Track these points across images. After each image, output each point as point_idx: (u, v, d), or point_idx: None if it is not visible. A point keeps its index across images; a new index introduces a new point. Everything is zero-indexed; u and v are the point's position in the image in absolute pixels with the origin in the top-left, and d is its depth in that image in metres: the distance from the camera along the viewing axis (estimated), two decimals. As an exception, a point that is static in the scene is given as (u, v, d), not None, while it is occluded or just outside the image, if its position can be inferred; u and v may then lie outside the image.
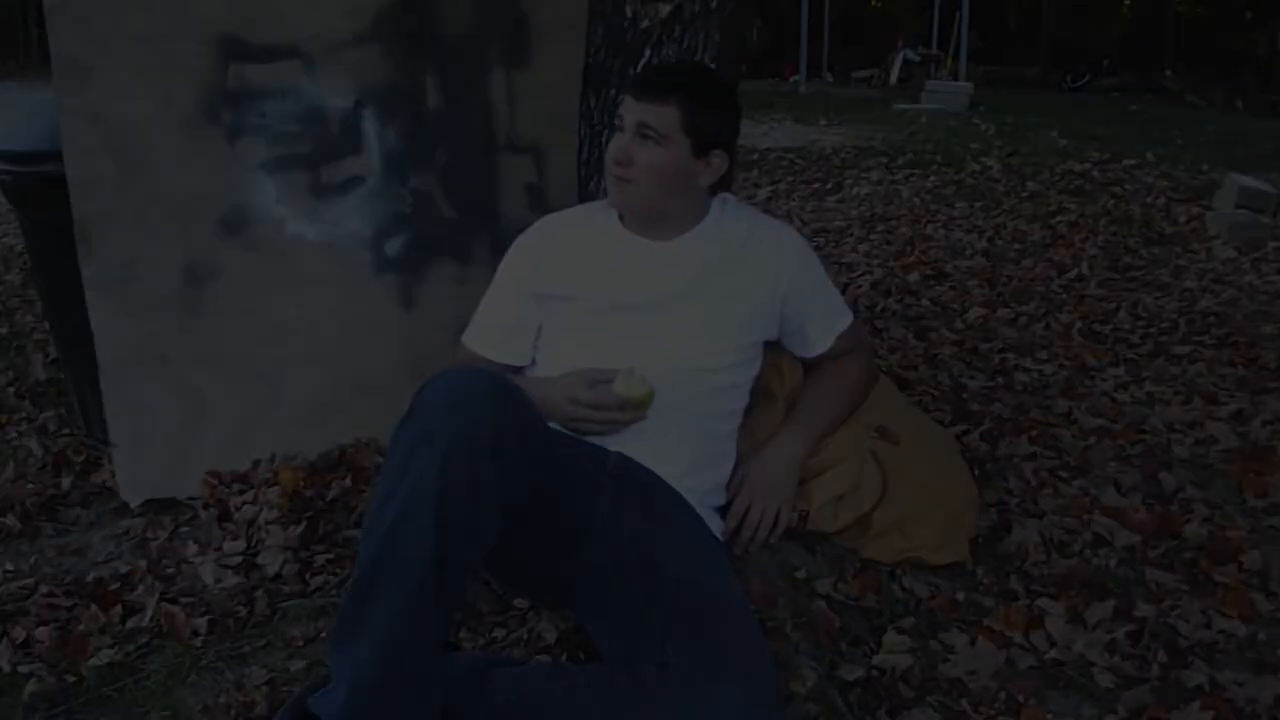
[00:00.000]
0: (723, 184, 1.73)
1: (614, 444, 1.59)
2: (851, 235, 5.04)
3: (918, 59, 17.11)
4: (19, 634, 1.70)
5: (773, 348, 1.82)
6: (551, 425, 1.56)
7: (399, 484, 1.26)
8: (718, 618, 1.37)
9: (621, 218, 1.72)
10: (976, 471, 2.20)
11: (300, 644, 1.70)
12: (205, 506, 2.09)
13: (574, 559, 1.49)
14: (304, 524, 1.97)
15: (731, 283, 1.69)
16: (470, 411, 1.29)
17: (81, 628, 1.73)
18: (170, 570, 1.91)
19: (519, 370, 1.74)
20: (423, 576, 1.23)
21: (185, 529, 2.07)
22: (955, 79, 14.42)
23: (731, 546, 1.70)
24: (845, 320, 1.84)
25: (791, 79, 16.37)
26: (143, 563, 1.94)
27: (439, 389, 1.33)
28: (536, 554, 1.51)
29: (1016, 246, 4.74)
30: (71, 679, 1.62)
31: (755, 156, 7.59)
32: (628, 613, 1.42)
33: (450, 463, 1.24)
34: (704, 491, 1.66)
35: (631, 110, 1.60)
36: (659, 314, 1.65)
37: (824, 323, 1.81)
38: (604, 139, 2.01)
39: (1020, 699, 1.57)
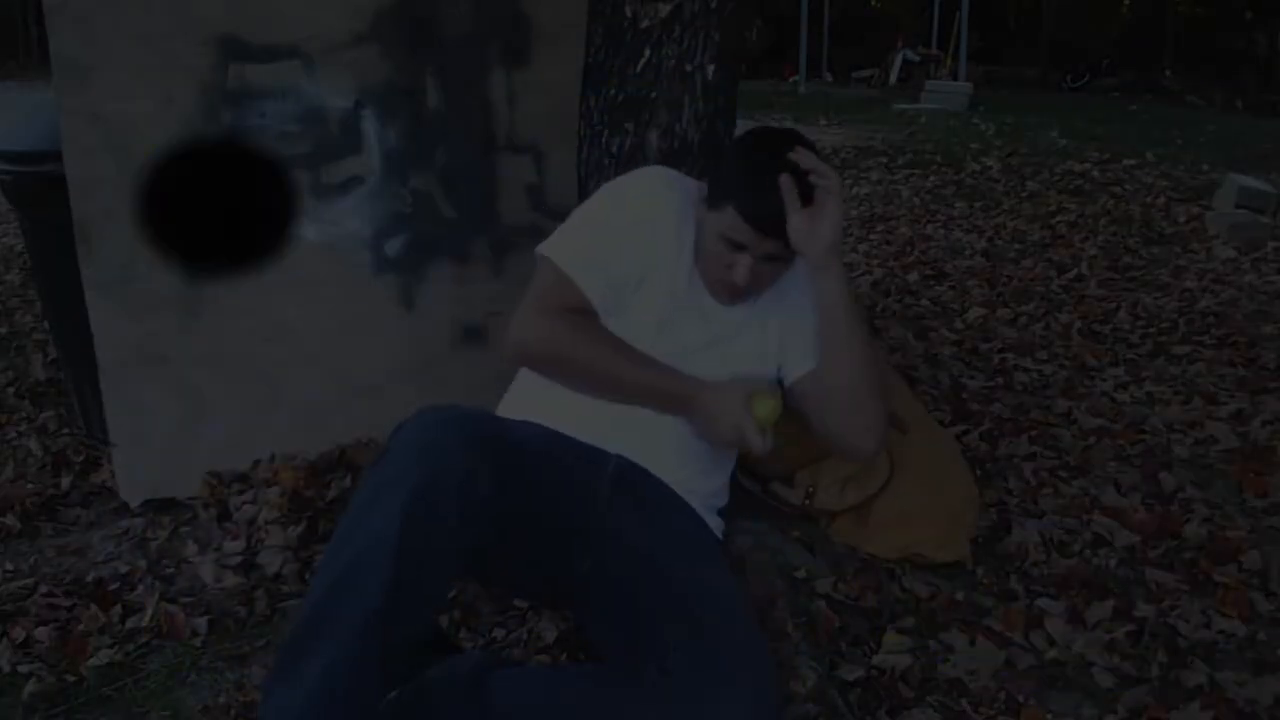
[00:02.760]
0: None
1: (614, 446, 1.58)
2: (851, 235, 5.03)
3: (918, 59, 17.10)
4: (19, 634, 1.70)
5: None
6: (548, 428, 1.55)
7: (356, 530, 1.25)
8: (718, 618, 1.37)
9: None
10: (977, 471, 2.20)
11: (300, 644, 1.70)
12: (205, 506, 2.09)
13: (573, 566, 1.49)
14: (304, 524, 1.97)
15: (756, 339, 1.65)
16: (440, 456, 1.27)
17: (81, 628, 1.73)
18: (170, 570, 1.91)
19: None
20: (366, 629, 1.21)
21: (185, 529, 2.07)
22: (955, 79, 14.41)
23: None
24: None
25: (791, 79, 16.37)
26: (143, 563, 1.94)
27: (410, 433, 1.31)
28: (535, 564, 1.50)
29: (1016, 246, 4.74)
30: (71, 679, 1.62)
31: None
32: (628, 614, 1.42)
33: (414, 510, 1.23)
34: (704, 493, 1.66)
35: (757, 242, 1.51)
36: (685, 330, 1.61)
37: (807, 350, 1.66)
38: (603, 139, 2.01)
39: (1020, 699, 1.57)
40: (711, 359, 1.59)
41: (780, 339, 1.64)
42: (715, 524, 1.68)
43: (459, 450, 1.29)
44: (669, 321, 1.59)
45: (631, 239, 1.60)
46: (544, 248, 1.61)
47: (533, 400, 1.61)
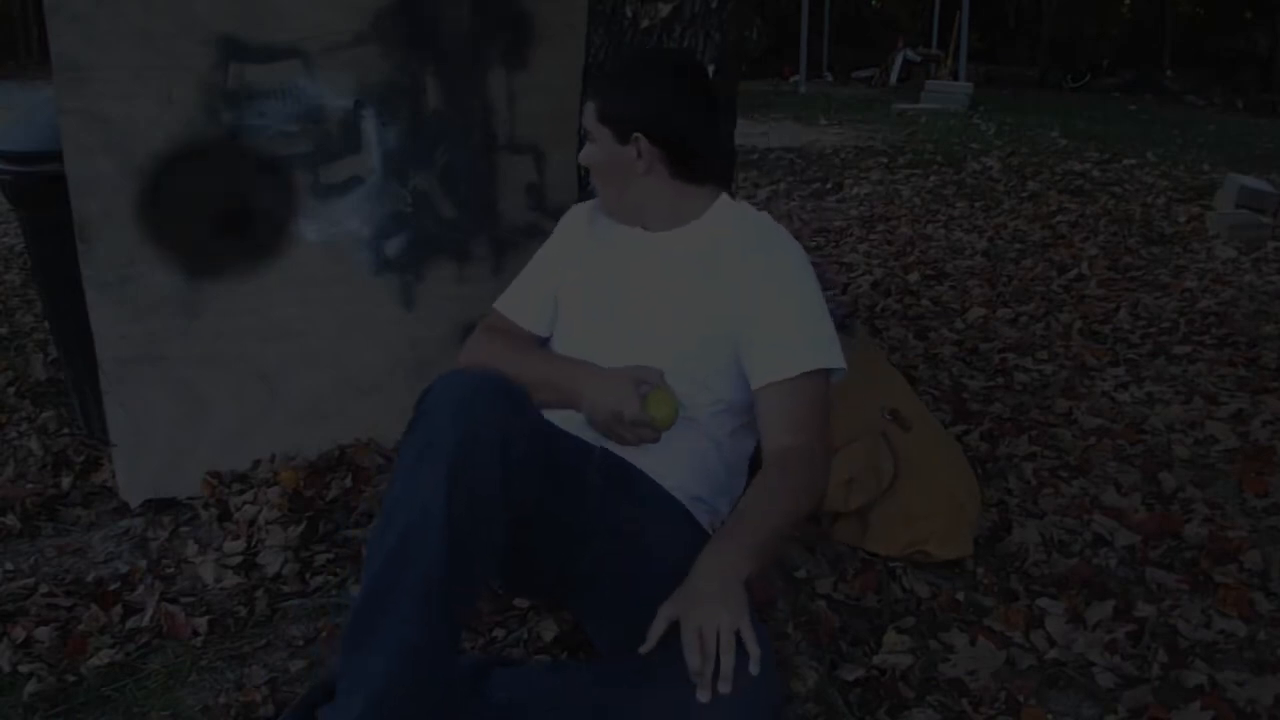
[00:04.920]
0: (707, 173, 1.64)
1: (598, 439, 1.57)
2: (851, 235, 5.04)
3: (918, 59, 17.09)
4: (19, 634, 1.70)
5: None
6: (544, 414, 1.55)
7: (406, 496, 1.25)
8: None
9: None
10: (978, 471, 2.20)
11: (300, 644, 1.70)
12: (205, 506, 2.09)
13: (570, 557, 1.49)
14: (304, 524, 1.97)
15: (701, 293, 1.58)
16: (475, 416, 1.28)
17: (81, 628, 1.73)
18: (170, 570, 1.91)
19: (544, 341, 1.70)
20: (433, 589, 1.22)
21: (185, 529, 2.07)
22: (955, 79, 14.40)
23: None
24: (801, 367, 1.50)
25: (791, 79, 16.37)
26: (143, 563, 1.94)
27: (442, 394, 1.31)
28: (535, 556, 1.50)
29: (1017, 246, 4.74)
30: (71, 679, 1.62)
31: (755, 156, 7.59)
32: (624, 604, 1.42)
33: (457, 474, 1.23)
34: (691, 495, 1.63)
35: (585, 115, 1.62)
36: (633, 303, 1.60)
37: (775, 355, 1.52)
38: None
39: (1020, 699, 1.57)
40: (657, 298, 1.59)
41: (743, 330, 1.55)
42: (703, 517, 1.64)
43: (493, 407, 1.30)
44: (598, 286, 1.63)
45: (549, 259, 1.71)
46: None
47: None
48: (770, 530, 1.40)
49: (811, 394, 1.51)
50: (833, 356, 1.53)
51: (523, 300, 1.72)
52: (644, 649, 1.27)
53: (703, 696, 1.20)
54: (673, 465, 1.58)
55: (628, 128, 1.56)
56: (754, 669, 1.21)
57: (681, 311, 1.58)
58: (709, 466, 1.61)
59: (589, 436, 1.56)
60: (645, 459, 1.57)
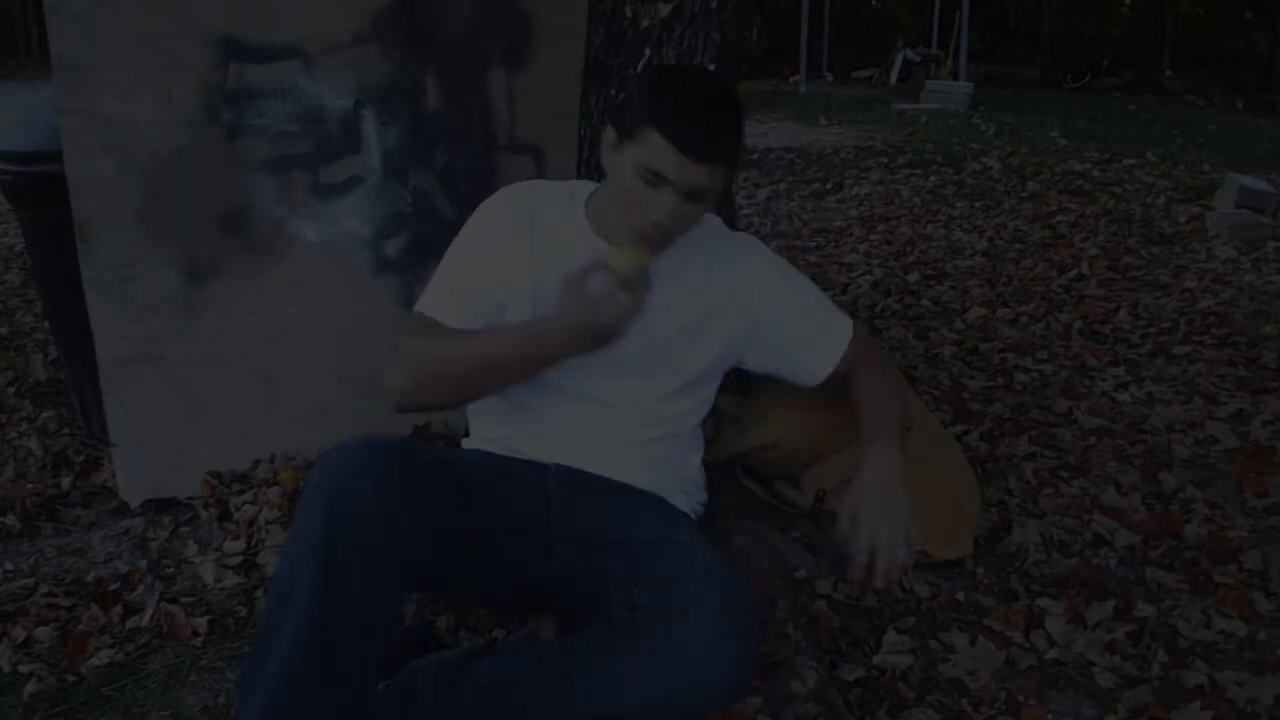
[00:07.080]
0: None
1: (552, 456, 1.56)
2: (851, 235, 5.04)
3: (918, 59, 17.09)
4: (19, 634, 1.70)
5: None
6: (486, 450, 1.58)
7: (289, 544, 1.30)
8: (682, 560, 1.38)
9: (586, 207, 1.58)
10: (978, 471, 2.20)
11: (300, 644, 1.70)
12: (205, 506, 2.09)
13: (539, 567, 1.51)
14: (304, 524, 1.97)
15: (688, 306, 1.58)
16: (345, 474, 1.29)
17: (81, 628, 1.73)
18: (170, 570, 1.91)
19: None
20: (300, 638, 1.23)
21: (185, 529, 2.07)
22: (955, 79, 14.40)
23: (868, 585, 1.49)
24: (845, 334, 1.66)
25: (791, 79, 16.37)
26: (143, 563, 1.94)
27: (321, 465, 1.33)
28: (499, 574, 1.52)
29: (1017, 246, 4.74)
30: (71, 679, 1.62)
31: (755, 156, 7.59)
32: (601, 588, 1.43)
33: (329, 521, 1.25)
34: (661, 488, 1.62)
35: (682, 170, 1.38)
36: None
37: (820, 343, 1.65)
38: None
39: (1020, 699, 1.57)
40: (635, 343, 1.45)
41: (749, 336, 1.62)
42: (681, 501, 1.63)
43: (369, 460, 1.31)
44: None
45: (481, 265, 1.54)
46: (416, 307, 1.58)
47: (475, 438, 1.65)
48: (900, 417, 1.60)
49: (864, 336, 1.71)
50: (846, 319, 1.69)
51: (452, 299, 1.54)
52: (837, 533, 1.49)
53: (862, 574, 1.44)
54: (643, 472, 1.59)
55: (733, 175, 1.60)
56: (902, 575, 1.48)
57: (685, 315, 1.59)
58: (675, 458, 1.64)
59: (542, 455, 1.56)
60: (617, 472, 1.57)
